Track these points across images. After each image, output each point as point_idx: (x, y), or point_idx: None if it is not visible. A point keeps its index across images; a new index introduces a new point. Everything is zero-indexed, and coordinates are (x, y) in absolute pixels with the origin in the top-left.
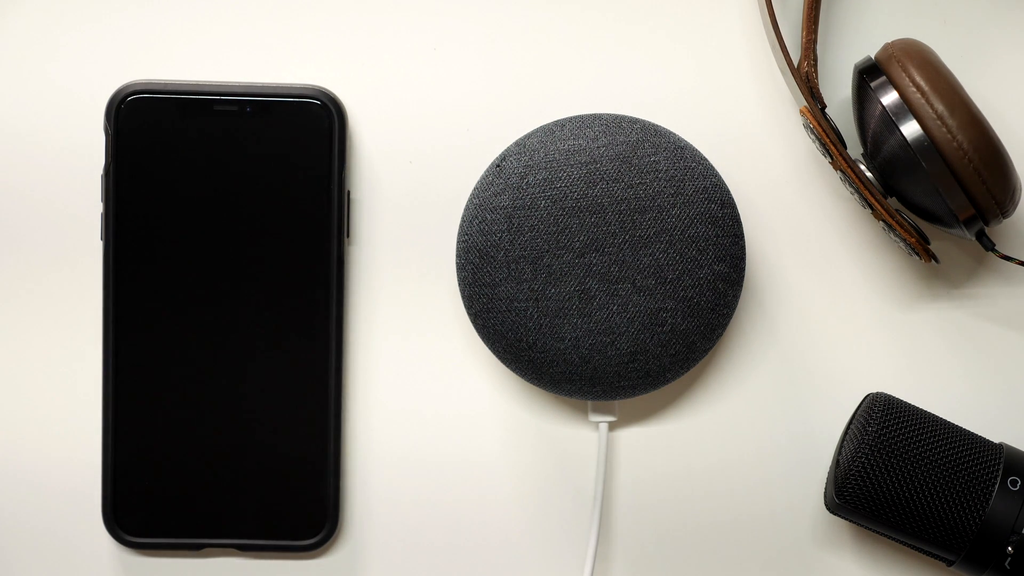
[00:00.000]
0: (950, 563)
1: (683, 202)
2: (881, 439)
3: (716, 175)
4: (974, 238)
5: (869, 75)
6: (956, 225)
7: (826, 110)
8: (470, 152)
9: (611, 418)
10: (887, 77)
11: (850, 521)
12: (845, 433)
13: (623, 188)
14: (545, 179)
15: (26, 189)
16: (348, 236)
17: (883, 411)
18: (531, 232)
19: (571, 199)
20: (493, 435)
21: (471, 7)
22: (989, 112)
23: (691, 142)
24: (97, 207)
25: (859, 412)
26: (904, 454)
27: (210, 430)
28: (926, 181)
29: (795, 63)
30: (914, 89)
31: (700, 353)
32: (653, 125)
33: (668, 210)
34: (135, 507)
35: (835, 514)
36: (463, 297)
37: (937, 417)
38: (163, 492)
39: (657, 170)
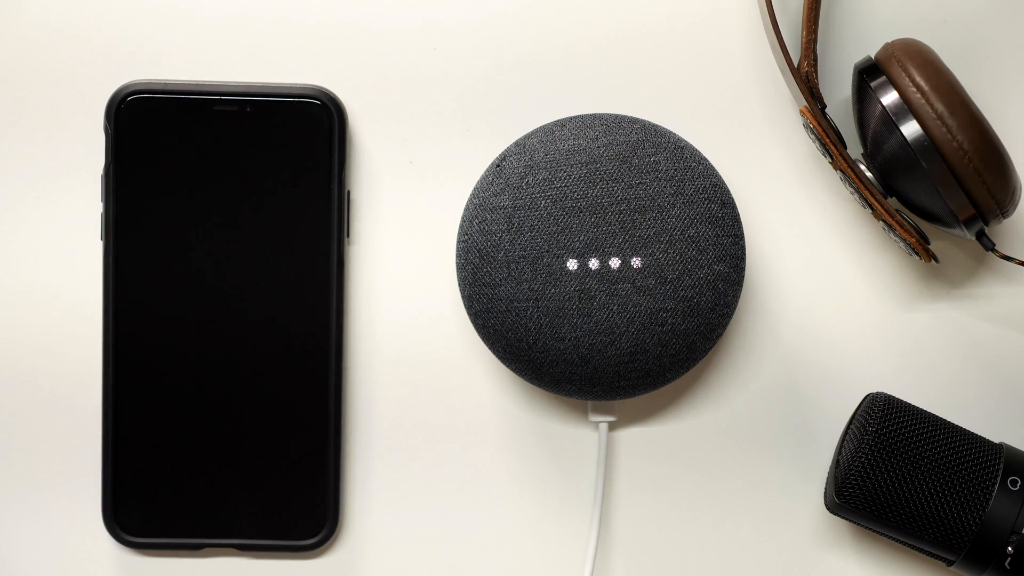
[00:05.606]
0: (950, 563)
1: (683, 202)
2: (881, 439)
3: (716, 175)
4: (974, 238)
5: (869, 75)
6: (956, 225)
7: (826, 110)
8: (470, 152)
9: (611, 418)
10: (887, 77)
11: (850, 521)
12: (845, 433)
13: (623, 188)
14: (545, 179)
15: (26, 189)
16: (348, 236)
17: (883, 411)
18: (531, 232)
19: (571, 199)
20: (493, 435)
21: (471, 7)
22: (989, 112)
23: (691, 142)
24: (97, 207)
25: (859, 412)
26: (904, 454)
27: (210, 430)
28: (926, 181)
29: (795, 63)
30: (914, 89)
31: (700, 353)
32: (653, 125)
33: (668, 210)
34: (135, 507)
35: (835, 514)
36: (463, 297)
37: (937, 417)
38: (163, 492)
39: (657, 170)
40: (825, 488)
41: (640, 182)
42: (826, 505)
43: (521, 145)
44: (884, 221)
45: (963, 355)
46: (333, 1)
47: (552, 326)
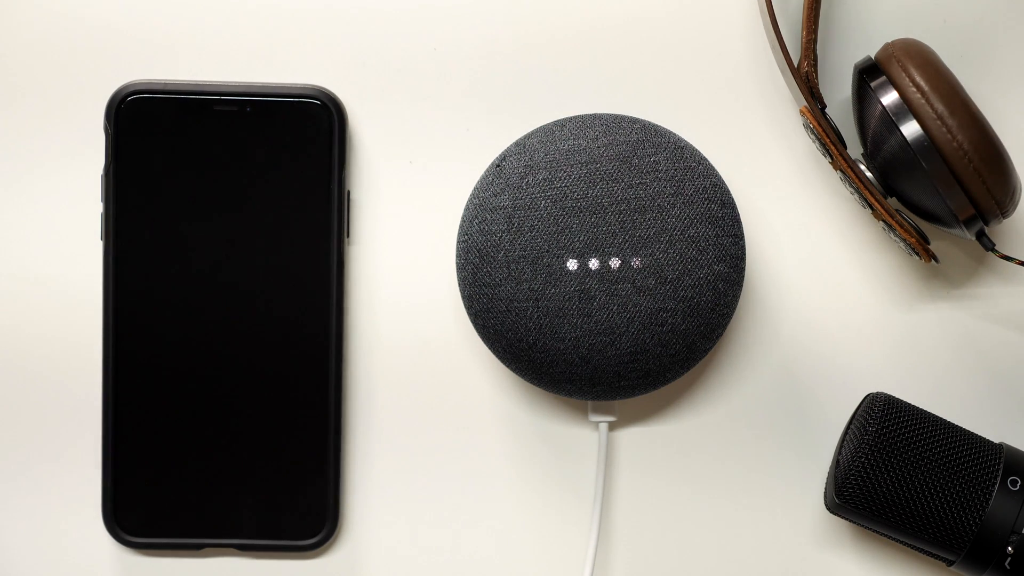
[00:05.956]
0: (950, 563)
1: (683, 202)
2: (881, 439)
3: (716, 175)
4: (974, 238)
5: (869, 75)
6: (956, 225)
7: (826, 110)
8: (470, 152)
9: (611, 418)
10: (887, 77)
11: (850, 521)
12: (845, 433)
13: (623, 188)
14: (545, 179)
15: (26, 189)
16: (348, 236)
17: (883, 411)
18: (531, 232)
19: (571, 199)
20: (493, 435)
21: (471, 7)
22: (989, 112)
23: (691, 142)
24: (97, 207)
25: (859, 412)
26: (904, 454)
27: (210, 430)
28: (926, 181)
29: (795, 63)
30: (914, 89)
31: (700, 353)
32: (653, 125)
33: (668, 210)
34: (135, 507)
35: (835, 514)
36: (463, 297)
37: (937, 417)
38: (163, 492)
39: (657, 170)
40: (825, 488)
41: (640, 182)
42: (826, 505)
43: (521, 145)
44: (884, 221)
45: (963, 355)
46: (333, 1)
47: (552, 326)
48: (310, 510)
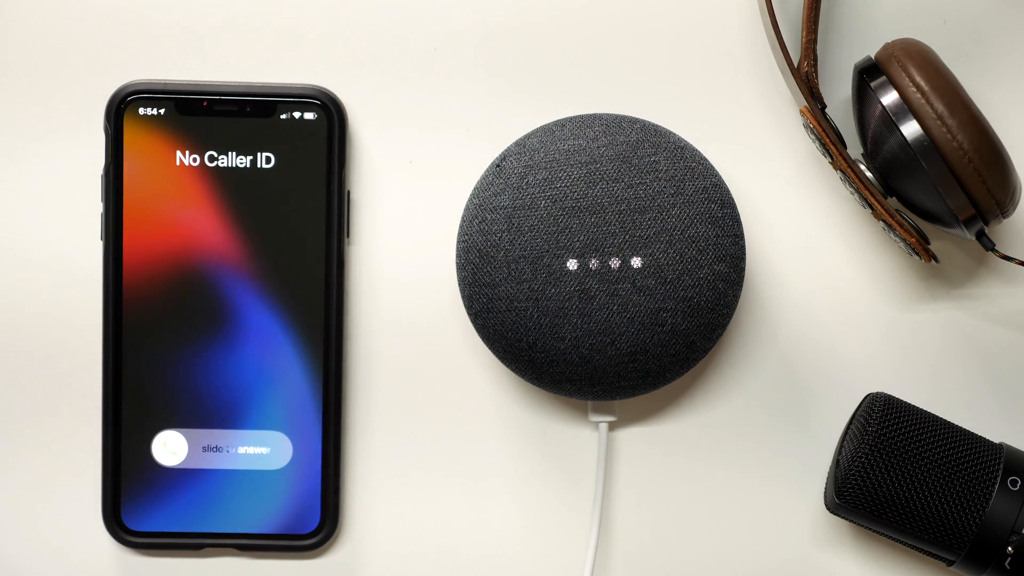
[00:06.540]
0: (950, 563)
1: (683, 202)
2: (881, 439)
3: (716, 175)
4: (974, 238)
5: (869, 75)
6: (956, 225)
7: (826, 110)
8: (470, 152)
9: (611, 418)
10: (887, 77)
11: (850, 521)
12: (845, 433)
13: (623, 188)
14: (545, 179)
15: (25, 189)
16: (348, 236)
17: (883, 411)
18: (531, 232)
19: (571, 199)
20: (493, 435)
21: (471, 7)
22: (989, 112)
23: (691, 142)
24: (97, 207)
25: (859, 412)
26: (904, 454)
27: (210, 429)
28: (926, 181)
29: (795, 63)
30: (914, 89)
31: (700, 353)
32: (653, 125)
33: (668, 210)
34: (135, 506)
35: (835, 514)
36: (463, 297)
37: (937, 417)
38: (163, 492)
39: (657, 170)
40: (825, 488)
41: (640, 182)
42: (826, 505)
43: (521, 145)
44: (884, 221)
45: (963, 355)
46: (333, 1)
47: (552, 326)
48: (310, 510)
